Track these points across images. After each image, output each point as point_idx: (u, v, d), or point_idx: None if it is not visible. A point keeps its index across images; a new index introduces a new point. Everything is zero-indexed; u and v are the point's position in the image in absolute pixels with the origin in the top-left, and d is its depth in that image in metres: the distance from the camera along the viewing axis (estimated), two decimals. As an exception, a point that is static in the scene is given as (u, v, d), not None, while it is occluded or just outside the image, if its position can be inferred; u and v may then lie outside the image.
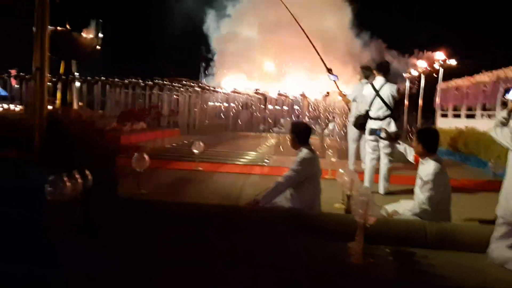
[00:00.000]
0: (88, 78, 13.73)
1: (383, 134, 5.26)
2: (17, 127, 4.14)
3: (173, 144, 11.12)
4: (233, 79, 21.25)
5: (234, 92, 14.01)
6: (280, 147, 10.15)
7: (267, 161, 8.70)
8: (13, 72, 13.80)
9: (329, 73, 8.99)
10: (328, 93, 10.03)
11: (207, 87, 15.64)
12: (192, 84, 15.83)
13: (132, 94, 14.97)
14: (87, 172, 3.13)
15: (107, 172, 3.72)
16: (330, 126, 16.07)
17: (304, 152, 4.31)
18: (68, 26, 6.49)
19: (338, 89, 8.55)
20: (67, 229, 2.79)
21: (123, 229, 3.14)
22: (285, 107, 15.81)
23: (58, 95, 6.82)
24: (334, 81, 8.87)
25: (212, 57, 25.72)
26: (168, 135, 12.33)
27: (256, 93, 12.14)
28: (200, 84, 15.71)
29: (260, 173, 7.64)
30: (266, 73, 23.25)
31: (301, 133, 4.46)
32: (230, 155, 9.32)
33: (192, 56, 26.00)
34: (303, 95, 12.16)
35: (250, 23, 23.59)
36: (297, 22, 10.35)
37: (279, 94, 11.97)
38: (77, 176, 2.96)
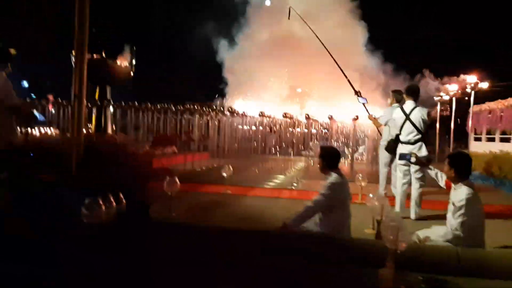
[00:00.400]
0: (123, 103, 14.16)
1: (413, 159, 5.19)
2: (54, 151, 4.29)
3: (203, 168, 11.26)
4: (259, 103, 21.39)
5: (261, 115, 14.11)
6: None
7: (296, 185, 8.69)
8: (51, 97, 14.34)
9: (358, 96, 8.98)
10: (357, 116, 10.01)
11: (236, 111, 15.85)
12: (221, 108, 16.08)
13: (164, 118, 15.32)
14: (121, 195, 3.22)
15: (139, 195, 3.81)
16: (360, 149, 15.93)
17: (333, 176, 4.31)
18: (104, 54, 6.72)
19: (368, 112, 8.50)
20: None
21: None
22: (313, 130, 15.84)
23: (93, 120, 7.03)
24: (363, 104, 8.84)
25: (227, 83, 25.78)
26: (198, 159, 12.49)
27: (284, 116, 12.25)
28: (229, 108, 15.94)
29: (289, 197, 7.63)
30: (292, 96, 23.28)
31: (330, 158, 4.46)
32: (258, 179, 9.36)
33: (220, 81, 26.30)
34: (331, 118, 12.16)
35: (272, 46, 23.63)
36: (325, 48, 10.44)
37: (307, 117, 12.01)
38: (111, 199, 3.05)
